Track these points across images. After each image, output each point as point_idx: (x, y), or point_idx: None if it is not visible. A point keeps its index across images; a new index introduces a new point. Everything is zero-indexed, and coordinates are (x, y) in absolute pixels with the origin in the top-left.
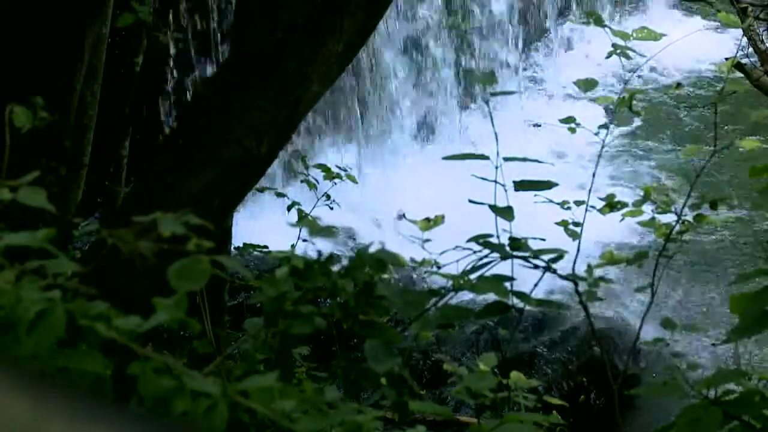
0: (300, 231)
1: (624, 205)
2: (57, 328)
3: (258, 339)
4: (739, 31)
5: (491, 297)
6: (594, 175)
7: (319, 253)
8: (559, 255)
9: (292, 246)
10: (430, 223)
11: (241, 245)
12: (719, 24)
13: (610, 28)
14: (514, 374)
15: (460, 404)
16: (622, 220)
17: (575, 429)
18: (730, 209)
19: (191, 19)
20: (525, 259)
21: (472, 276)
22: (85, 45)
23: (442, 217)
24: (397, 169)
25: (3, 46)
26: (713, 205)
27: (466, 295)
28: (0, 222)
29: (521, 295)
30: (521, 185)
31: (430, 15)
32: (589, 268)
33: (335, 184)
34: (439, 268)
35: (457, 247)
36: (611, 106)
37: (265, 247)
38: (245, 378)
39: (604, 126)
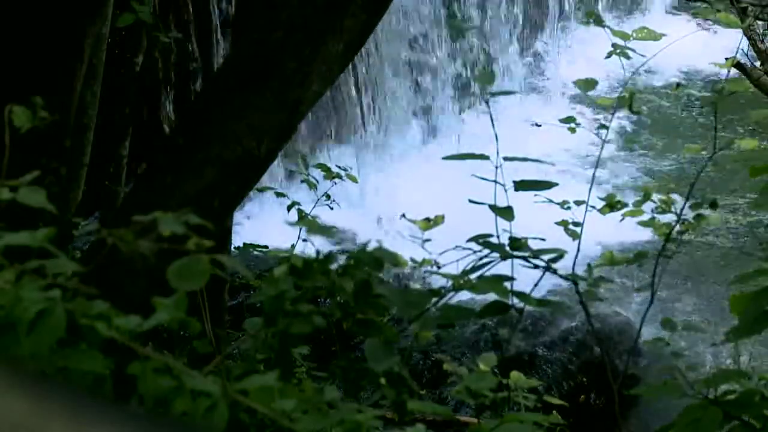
0: (300, 231)
1: (624, 205)
2: (57, 327)
3: (258, 339)
4: (738, 31)
5: (491, 297)
6: (594, 175)
7: (318, 252)
8: (559, 255)
9: (292, 246)
10: (430, 223)
11: (241, 245)
12: (711, 24)
13: (609, 28)
14: (514, 374)
15: (460, 404)
16: (622, 220)
17: (575, 429)
18: (731, 210)
19: (192, 18)
20: (525, 259)
21: (472, 276)
22: (85, 45)
23: (442, 217)
24: (397, 168)
25: (3, 46)
26: (713, 205)
27: (466, 295)
28: (0, 222)
29: (521, 295)
30: (521, 185)
31: (431, 15)
32: (589, 268)
33: (335, 183)
34: (439, 268)
35: (457, 247)
36: (612, 106)
37: (265, 247)
38: (245, 378)
39: (604, 126)
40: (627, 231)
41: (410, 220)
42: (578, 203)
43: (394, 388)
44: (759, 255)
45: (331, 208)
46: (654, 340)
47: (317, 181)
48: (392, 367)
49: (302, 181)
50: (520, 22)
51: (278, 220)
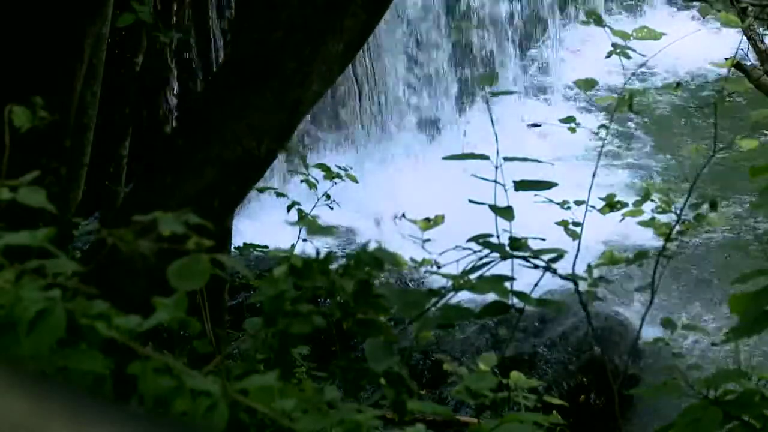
0: (300, 231)
1: (624, 205)
2: (57, 327)
3: (258, 339)
4: (738, 31)
5: (491, 297)
6: (594, 174)
7: (318, 252)
8: (559, 255)
9: (292, 246)
10: (430, 223)
11: (241, 245)
12: (709, 24)
13: (610, 28)
14: (514, 374)
15: (460, 404)
16: (622, 220)
17: (575, 429)
18: (732, 210)
19: (192, 18)
20: (525, 259)
21: (472, 276)
22: (85, 45)
23: (442, 217)
24: (398, 168)
25: (3, 46)
26: (713, 205)
27: (466, 295)
28: (0, 222)
29: (521, 295)
30: (521, 185)
31: (432, 14)
32: (589, 268)
33: (335, 183)
34: (439, 268)
35: (457, 247)
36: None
37: (265, 247)
38: (245, 378)
39: (604, 126)
40: (627, 231)
41: (410, 220)
42: (578, 203)
43: (393, 388)
44: (759, 255)
45: (331, 208)
46: (654, 340)
47: (317, 181)
48: (392, 367)
49: (302, 181)
50: (521, 21)
51: (278, 220)
